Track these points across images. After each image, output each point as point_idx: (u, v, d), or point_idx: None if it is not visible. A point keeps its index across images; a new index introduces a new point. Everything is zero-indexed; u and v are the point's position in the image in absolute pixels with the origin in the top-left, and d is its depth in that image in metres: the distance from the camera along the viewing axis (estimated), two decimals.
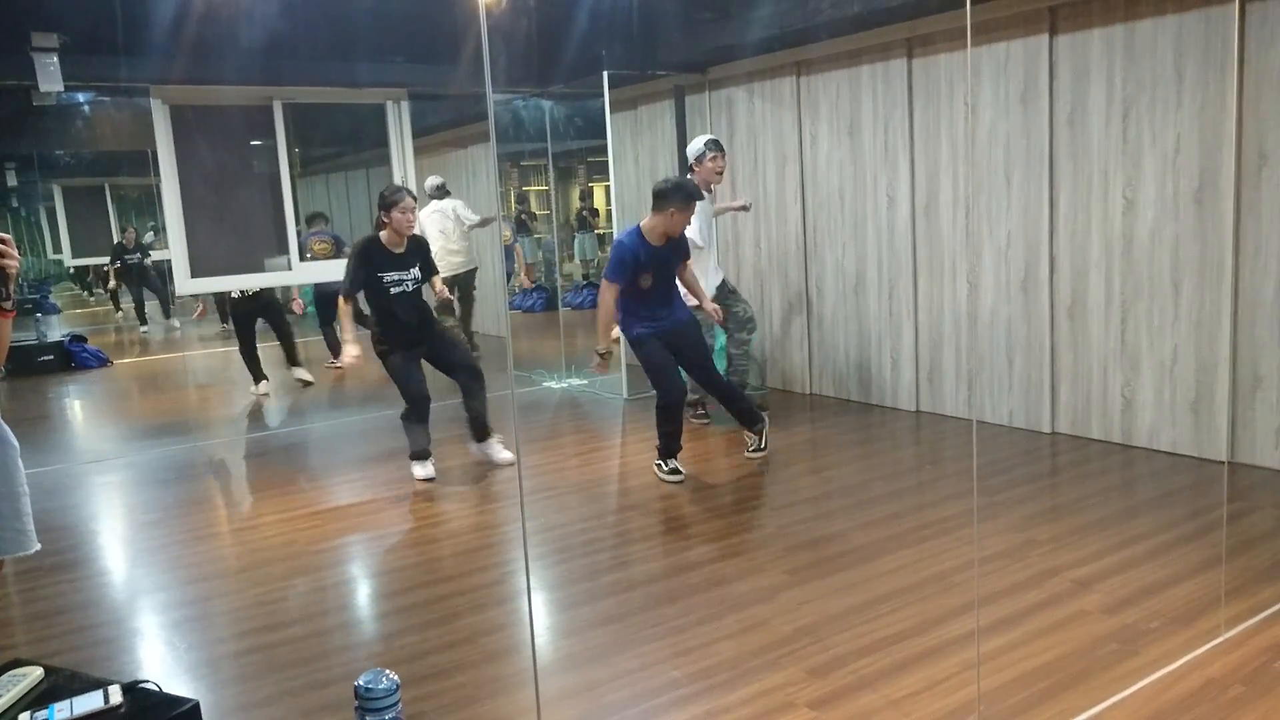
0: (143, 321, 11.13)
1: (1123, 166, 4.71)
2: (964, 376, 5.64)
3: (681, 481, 4.71)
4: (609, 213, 7.66)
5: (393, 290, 4.83)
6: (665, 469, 4.78)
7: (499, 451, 5.19)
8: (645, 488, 4.70)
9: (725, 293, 5.64)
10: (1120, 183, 4.74)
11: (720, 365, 5.70)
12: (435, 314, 5.19)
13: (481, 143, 9.86)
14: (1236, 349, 4.43)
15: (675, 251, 4.72)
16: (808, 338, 6.52)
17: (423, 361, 5.02)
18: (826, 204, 6.23)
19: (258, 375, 7.75)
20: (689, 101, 7.04)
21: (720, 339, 5.85)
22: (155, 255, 10.32)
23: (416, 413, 4.93)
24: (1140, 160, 4.65)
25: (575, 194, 12.14)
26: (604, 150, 6.79)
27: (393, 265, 4.84)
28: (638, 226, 4.62)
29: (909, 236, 5.75)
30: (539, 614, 3.36)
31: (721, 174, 5.47)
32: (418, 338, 4.95)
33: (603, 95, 6.43)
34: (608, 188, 7.24)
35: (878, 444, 5.32)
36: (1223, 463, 4.50)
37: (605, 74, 6.38)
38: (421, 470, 4.99)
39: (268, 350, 7.99)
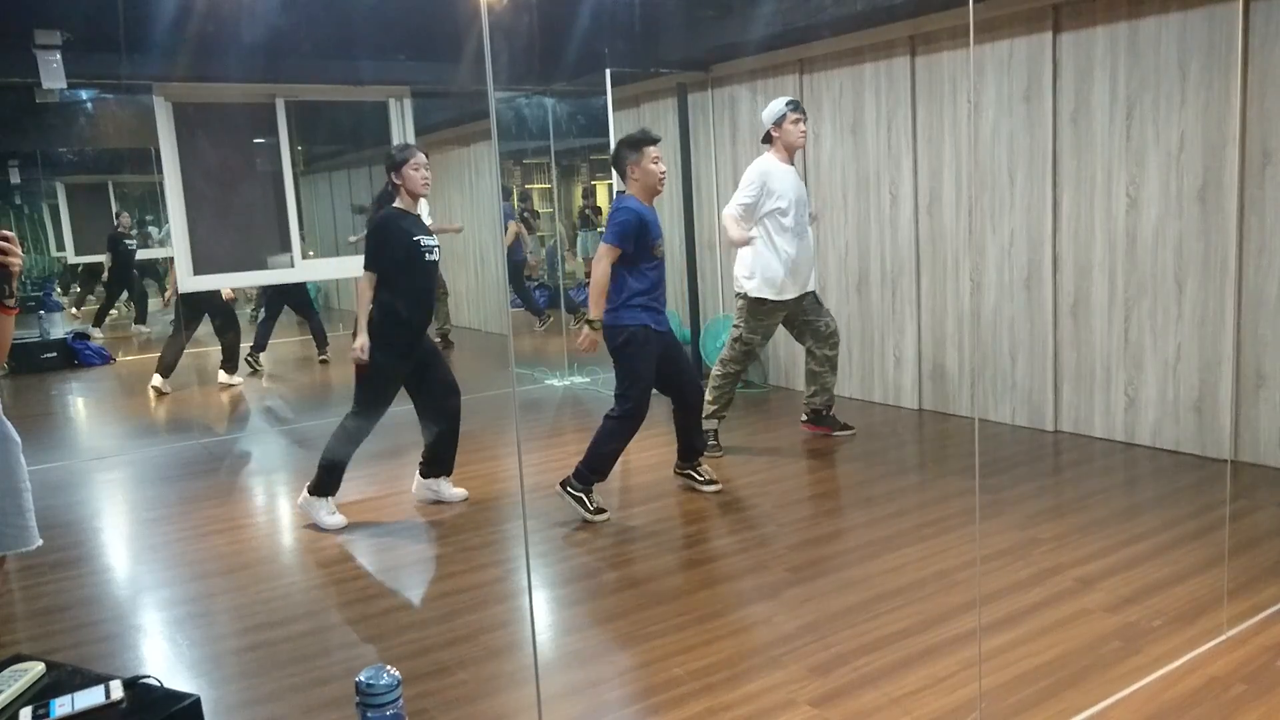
0: (138, 320, 11.05)
1: (1126, 164, 4.70)
2: (967, 374, 5.63)
3: (608, 519, 4.20)
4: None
5: (428, 257, 4.15)
6: (592, 507, 4.21)
7: (450, 488, 4.58)
8: (646, 485, 4.70)
9: (812, 302, 5.19)
10: (1124, 181, 4.73)
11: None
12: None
13: (484, 140, 9.86)
14: (1240, 347, 4.42)
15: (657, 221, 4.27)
16: None
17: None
18: (829, 202, 6.22)
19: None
20: (692, 99, 7.03)
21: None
22: (143, 254, 10.28)
23: (363, 432, 4.21)
24: (1144, 158, 4.64)
25: (578, 192, 12.12)
26: (607, 148, 6.79)
27: (422, 228, 4.18)
28: (627, 194, 4.22)
29: (912, 234, 5.74)
30: (540, 611, 3.36)
31: (804, 137, 4.97)
32: (421, 332, 4.26)
33: (605, 93, 6.43)
34: (610, 186, 7.23)
35: (880, 441, 5.32)
36: (1226, 461, 4.49)
37: (608, 71, 6.38)
38: (331, 518, 4.28)
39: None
